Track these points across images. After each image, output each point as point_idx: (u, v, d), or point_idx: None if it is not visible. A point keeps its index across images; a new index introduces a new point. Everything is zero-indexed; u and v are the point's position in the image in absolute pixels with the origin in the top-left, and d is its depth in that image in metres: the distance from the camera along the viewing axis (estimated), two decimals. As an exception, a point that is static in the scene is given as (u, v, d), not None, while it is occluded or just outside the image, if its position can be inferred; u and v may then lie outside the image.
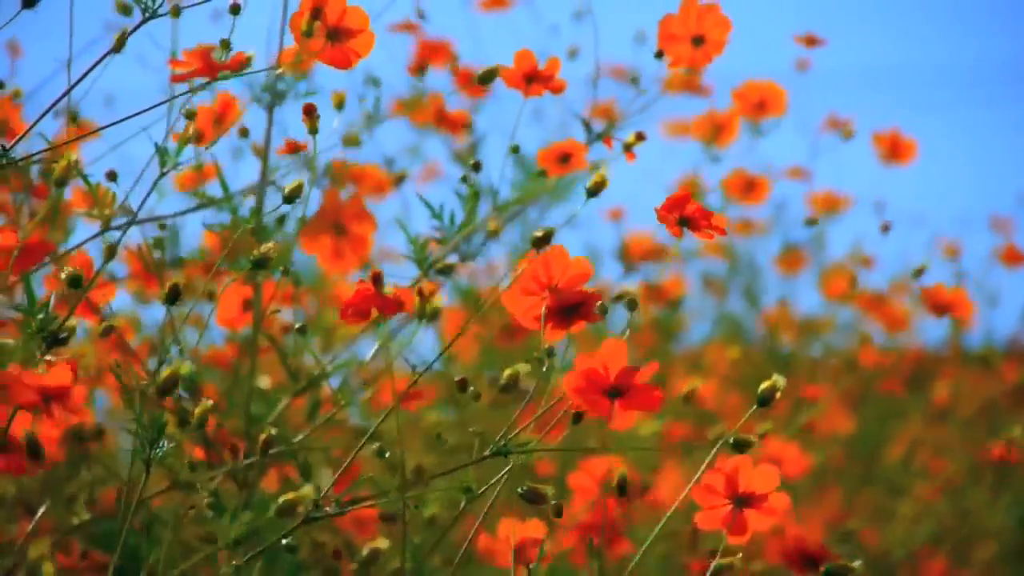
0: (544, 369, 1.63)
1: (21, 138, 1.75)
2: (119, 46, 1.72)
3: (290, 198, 1.72)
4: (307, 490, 1.58)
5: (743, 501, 1.61)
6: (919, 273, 2.78)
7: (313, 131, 1.86)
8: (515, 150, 2.11)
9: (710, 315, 4.38)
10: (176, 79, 1.65)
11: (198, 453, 2.02)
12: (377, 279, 1.71)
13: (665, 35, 1.96)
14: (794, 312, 4.29)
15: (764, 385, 1.63)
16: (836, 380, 3.98)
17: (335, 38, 1.67)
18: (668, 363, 3.88)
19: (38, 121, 1.73)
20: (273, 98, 2.21)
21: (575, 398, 1.57)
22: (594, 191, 1.72)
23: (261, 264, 1.68)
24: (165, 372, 1.62)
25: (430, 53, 2.80)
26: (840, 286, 4.07)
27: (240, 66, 1.66)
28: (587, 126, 2.21)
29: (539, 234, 1.70)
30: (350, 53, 1.67)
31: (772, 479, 1.60)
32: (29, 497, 2.19)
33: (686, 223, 1.63)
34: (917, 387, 4.05)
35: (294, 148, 2.19)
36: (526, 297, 1.63)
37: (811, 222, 3.34)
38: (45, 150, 1.75)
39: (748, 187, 3.11)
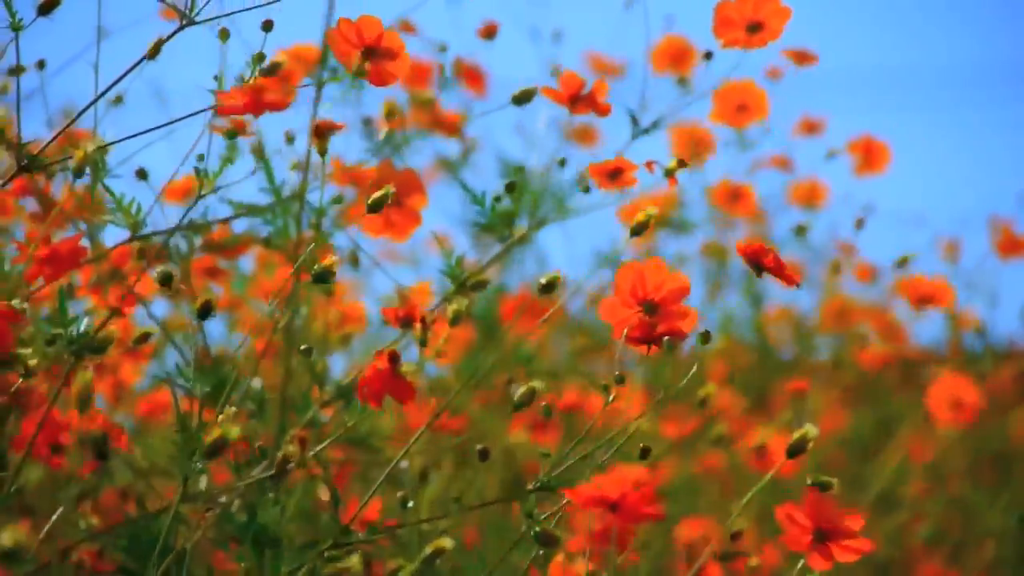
0: (611, 398, 1.62)
1: (51, 142, 1.72)
2: (154, 52, 1.72)
3: (375, 207, 1.69)
4: (355, 561, 1.56)
5: (824, 536, 1.61)
6: (903, 263, 2.75)
7: (322, 152, 1.85)
8: (562, 163, 2.13)
9: (709, 316, 4.34)
10: (221, 112, 1.63)
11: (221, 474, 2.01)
12: (394, 358, 1.70)
13: (721, 20, 1.93)
14: (793, 313, 4.27)
15: (795, 436, 1.64)
16: (834, 380, 3.96)
17: (372, 56, 1.68)
18: (667, 364, 3.84)
19: (70, 124, 1.70)
20: (319, 83, 2.21)
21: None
22: (638, 230, 1.69)
23: (323, 278, 1.64)
24: (215, 433, 1.58)
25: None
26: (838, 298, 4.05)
27: (284, 106, 1.63)
28: (635, 121, 2.19)
29: (544, 281, 1.69)
30: (387, 75, 1.69)
31: (856, 520, 1.62)
32: (30, 499, 2.16)
33: (763, 271, 1.64)
34: (914, 387, 4.03)
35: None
36: (623, 309, 1.62)
37: (801, 230, 3.33)
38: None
39: (733, 197, 3.10)
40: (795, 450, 1.63)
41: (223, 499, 1.97)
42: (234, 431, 1.56)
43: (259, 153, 2.11)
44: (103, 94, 1.69)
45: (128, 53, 1.91)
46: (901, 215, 3.94)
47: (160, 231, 2.01)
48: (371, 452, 2.21)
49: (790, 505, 1.60)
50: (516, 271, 3.45)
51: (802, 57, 2.84)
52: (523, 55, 3.00)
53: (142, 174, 2.02)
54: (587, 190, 2.14)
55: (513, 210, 2.11)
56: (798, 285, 1.64)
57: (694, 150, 2.87)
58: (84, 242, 1.87)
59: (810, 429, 1.62)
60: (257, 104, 1.63)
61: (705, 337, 1.62)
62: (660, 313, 1.62)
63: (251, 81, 1.64)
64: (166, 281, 1.64)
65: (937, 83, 5.51)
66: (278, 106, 1.65)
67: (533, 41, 2.98)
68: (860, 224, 3.01)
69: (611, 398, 1.63)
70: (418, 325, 1.78)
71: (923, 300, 2.91)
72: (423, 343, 1.76)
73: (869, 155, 3.38)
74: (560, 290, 1.75)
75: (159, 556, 1.74)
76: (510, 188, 2.06)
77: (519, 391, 1.69)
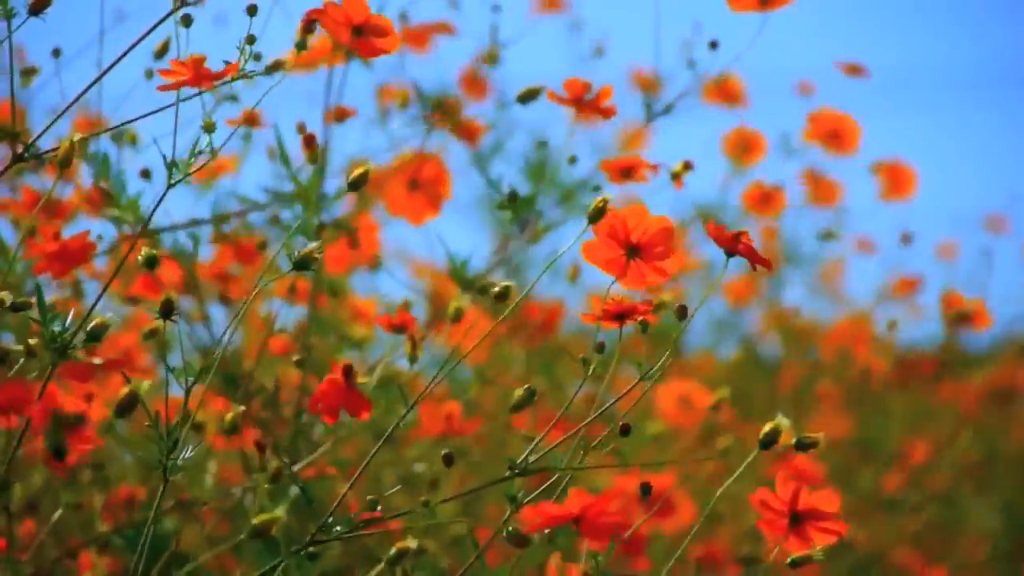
0: (590, 370, 1.55)
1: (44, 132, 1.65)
2: (161, 52, 1.73)
3: (355, 184, 1.61)
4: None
5: (800, 518, 1.55)
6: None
7: (312, 161, 1.86)
8: (572, 161, 2.11)
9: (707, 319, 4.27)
10: (163, 88, 1.56)
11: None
12: (348, 372, 1.63)
13: None
14: (791, 315, 4.19)
15: (766, 429, 1.56)
16: (834, 381, 3.89)
17: (360, 35, 1.63)
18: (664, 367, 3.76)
19: (60, 116, 1.63)
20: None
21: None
22: (595, 217, 1.59)
23: (304, 265, 1.56)
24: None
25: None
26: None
27: (230, 76, 1.57)
28: (648, 106, 2.15)
29: (497, 289, 1.62)
30: (376, 48, 1.64)
31: (833, 501, 1.55)
32: (35, 498, 2.11)
33: (735, 255, 1.57)
34: (911, 387, 3.97)
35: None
36: (607, 251, 1.56)
37: (828, 236, 3.26)
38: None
39: (765, 200, 3.03)
40: (766, 444, 1.56)
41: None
42: (144, 384, 1.50)
43: (278, 149, 2.07)
44: (91, 85, 1.62)
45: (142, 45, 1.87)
46: (898, 215, 3.86)
47: (165, 227, 1.98)
48: (391, 448, 2.16)
49: (764, 491, 1.53)
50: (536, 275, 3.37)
51: (853, 69, 2.79)
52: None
53: (146, 174, 1.99)
54: (597, 189, 2.11)
55: (533, 195, 2.08)
56: (770, 269, 1.56)
57: (743, 151, 2.82)
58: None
59: (782, 421, 1.55)
60: (198, 77, 1.56)
61: (681, 312, 1.55)
62: (644, 255, 1.56)
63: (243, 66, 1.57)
64: (151, 264, 1.56)
65: (935, 83, 5.45)
66: (219, 77, 1.57)
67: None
68: (907, 239, 2.97)
69: (591, 369, 1.56)
70: (408, 342, 1.73)
71: (960, 318, 2.84)
72: (412, 360, 1.70)
73: (896, 180, 3.32)
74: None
75: (156, 555, 1.67)
76: (513, 198, 2.03)
77: (518, 392, 1.63)
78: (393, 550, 1.58)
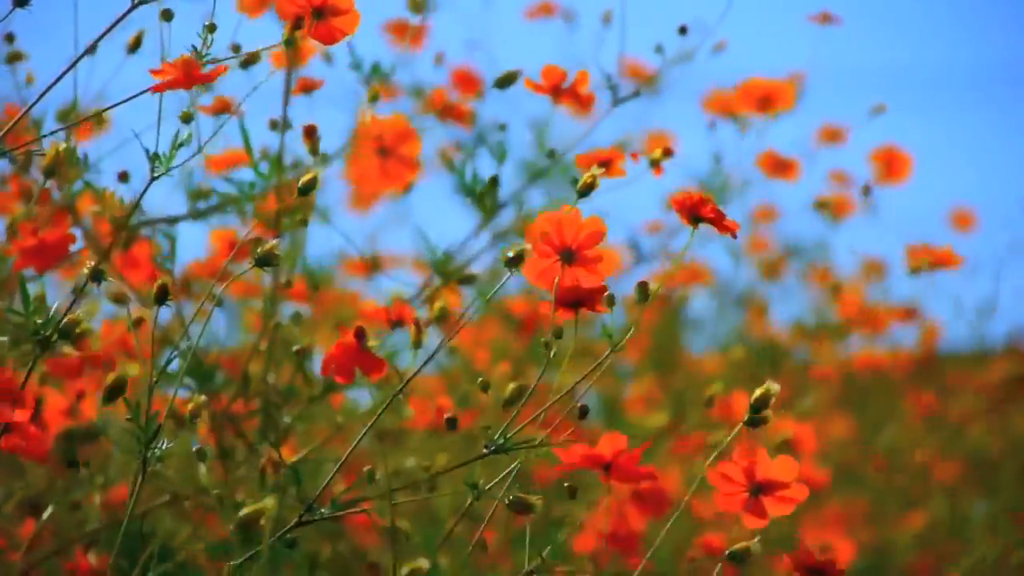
0: (552, 355, 1.53)
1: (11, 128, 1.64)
2: (135, 46, 1.73)
3: (305, 190, 1.60)
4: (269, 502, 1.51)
5: (760, 489, 1.52)
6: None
7: (314, 152, 1.86)
8: (552, 154, 2.13)
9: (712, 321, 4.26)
10: (156, 89, 1.56)
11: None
12: (361, 334, 1.62)
13: None
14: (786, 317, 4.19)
15: (757, 393, 1.53)
16: (832, 383, 3.89)
17: (320, 16, 1.61)
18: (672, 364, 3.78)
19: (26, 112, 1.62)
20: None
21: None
22: (584, 192, 1.60)
23: (266, 262, 1.56)
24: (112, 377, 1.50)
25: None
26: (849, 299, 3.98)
27: (214, 78, 1.57)
28: (614, 90, 2.16)
29: (511, 254, 1.59)
30: (335, 31, 1.62)
31: (791, 469, 1.51)
32: (36, 497, 2.10)
33: (700, 221, 1.54)
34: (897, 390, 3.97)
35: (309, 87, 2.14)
36: (540, 260, 1.55)
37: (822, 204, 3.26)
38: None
39: (780, 166, 3.01)
40: (757, 409, 1.53)
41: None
42: (133, 369, 1.50)
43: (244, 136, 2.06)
44: (59, 78, 1.61)
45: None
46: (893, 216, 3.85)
47: (147, 221, 1.98)
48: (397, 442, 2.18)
49: (725, 463, 1.50)
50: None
51: (824, 18, 2.78)
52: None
53: (124, 177, 1.99)
54: (575, 182, 2.10)
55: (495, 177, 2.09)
56: (736, 235, 1.54)
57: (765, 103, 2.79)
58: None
59: (772, 387, 1.52)
60: (188, 78, 1.56)
61: (643, 291, 1.53)
62: (577, 259, 1.55)
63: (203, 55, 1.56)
64: (97, 277, 1.55)
65: (935, 84, 5.44)
66: (209, 79, 1.57)
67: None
68: (868, 191, 2.97)
69: (552, 354, 1.54)
70: (412, 329, 1.73)
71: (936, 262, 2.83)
72: (417, 346, 1.70)
73: (891, 164, 3.31)
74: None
75: (138, 552, 1.67)
76: (494, 182, 2.02)
77: (508, 388, 1.63)
78: (406, 569, 1.57)
